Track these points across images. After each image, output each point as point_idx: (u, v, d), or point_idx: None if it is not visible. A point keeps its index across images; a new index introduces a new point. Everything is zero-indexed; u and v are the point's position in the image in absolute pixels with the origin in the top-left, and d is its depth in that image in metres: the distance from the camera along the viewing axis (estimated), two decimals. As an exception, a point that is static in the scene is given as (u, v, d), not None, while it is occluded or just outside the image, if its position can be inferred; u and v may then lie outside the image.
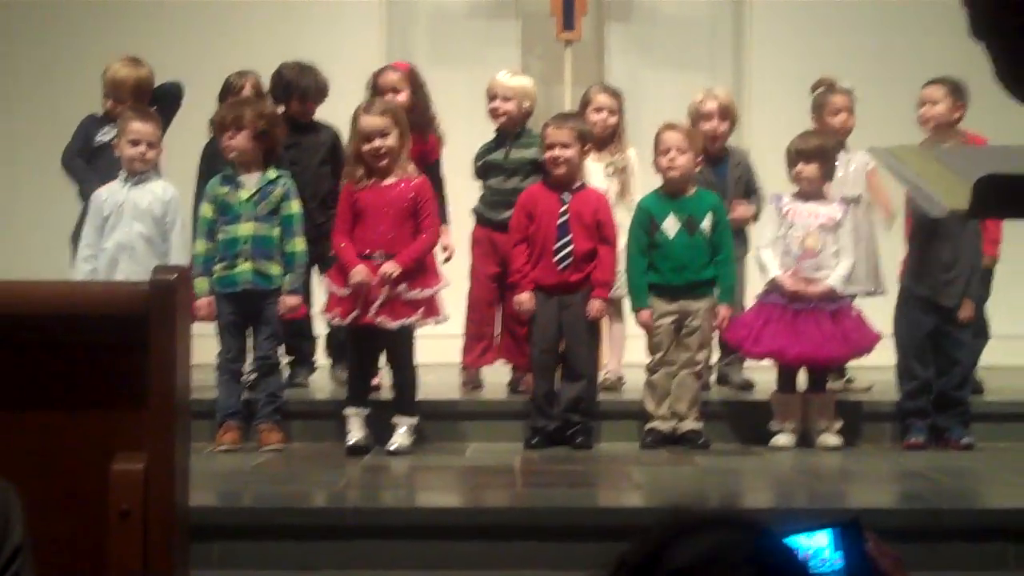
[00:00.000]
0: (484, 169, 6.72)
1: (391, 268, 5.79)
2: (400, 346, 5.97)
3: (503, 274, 6.52)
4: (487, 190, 6.71)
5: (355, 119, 6.03)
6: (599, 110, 6.91)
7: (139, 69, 6.70)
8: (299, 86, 6.78)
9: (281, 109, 6.65)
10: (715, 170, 6.80)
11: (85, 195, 6.45)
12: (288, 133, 6.67)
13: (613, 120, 6.92)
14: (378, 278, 5.79)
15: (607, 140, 6.92)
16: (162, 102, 6.74)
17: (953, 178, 2.19)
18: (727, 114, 6.89)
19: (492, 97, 6.67)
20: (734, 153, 7.01)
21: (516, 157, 6.64)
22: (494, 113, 6.67)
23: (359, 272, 5.80)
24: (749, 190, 6.94)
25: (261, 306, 6.05)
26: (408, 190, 5.94)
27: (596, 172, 6.79)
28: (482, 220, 6.70)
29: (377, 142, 5.90)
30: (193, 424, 3.12)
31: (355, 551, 4.66)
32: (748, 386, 6.87)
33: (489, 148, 6.74)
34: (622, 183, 6.83)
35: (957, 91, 6.76)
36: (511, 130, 6.69)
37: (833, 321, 6.20)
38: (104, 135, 6.56)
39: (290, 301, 6.04)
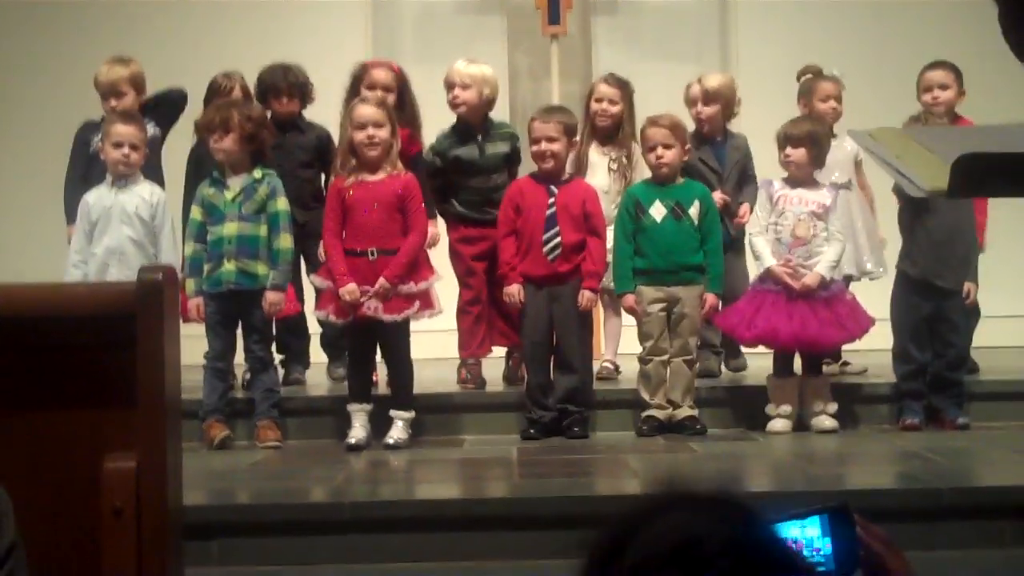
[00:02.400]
0: (456, 166, 6.60)
1: (386, 285, 5.83)
2: (396, 340, 6.00)
3: (490, 268, 6.53)
4: (466, 190, 6.59)
5: (349, 111, 6.07)
6: (600, 100, 6.89)
7: (131, 65, 6.70)
8: (270, 83, 6.78)
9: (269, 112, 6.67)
10: (714, 153, 6.85)
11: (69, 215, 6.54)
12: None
13: (615, 109, 6.86)
14: (373, 292, 5.82)
15: (611, 131, 6.89)
16: (163, 107, 6.74)
17: (932, 158, 2.21)
18: (714, 99, 6.89)
19: (450, 86, 6.57)
20: (733, 137, 7.02)
21: (491, 153, 6.59)
22: (453, 103, 6.57)
23: (349, 292, 5.83)
24: (744, 177, 6.91)
25: (248, 306, 6.07)
26: (396, 186, 5.97)
27: (600, 166, 6.78)
28: (468, 220, 6.60)
29: (371, 130, 5.93)
30: (186, 424, 3.14)
31: (355, 545, 4.68)
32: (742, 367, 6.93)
33: (452, 142, 6.61)
34: (626, 179, 6.78)
35: (960, 75, 6.80)
36: (473, 121, 6.60)
37: (827, 306, 6.21)
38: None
39: (271, 297, 6.04)
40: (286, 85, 6.78)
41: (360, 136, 5.95)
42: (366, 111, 6.01)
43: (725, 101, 6.93)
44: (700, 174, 6.68)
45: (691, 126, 6.80)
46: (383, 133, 5.95)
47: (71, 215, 6.54)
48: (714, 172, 6.81)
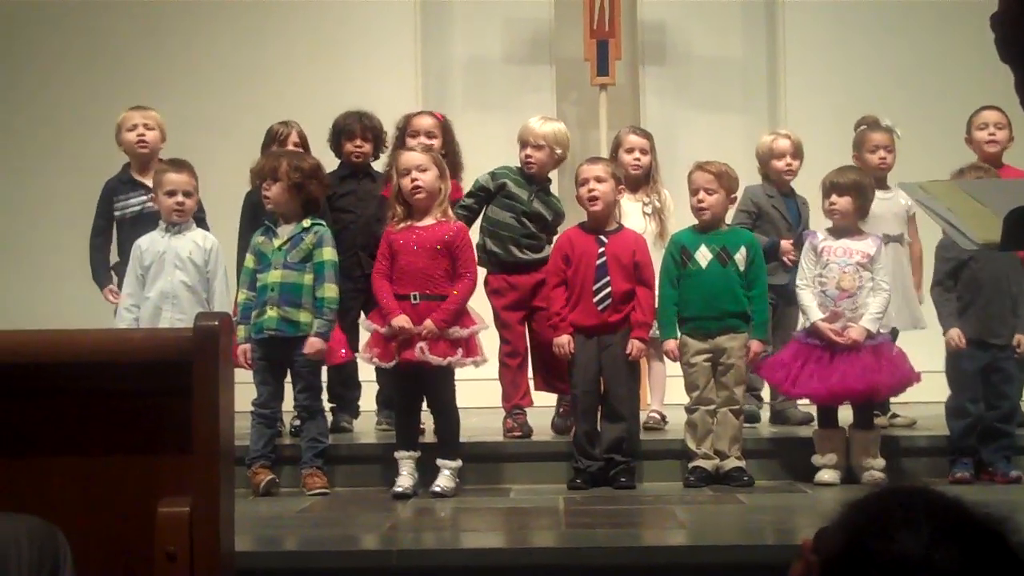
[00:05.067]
0: (501, 194, 6.62)
1: (431, 330, 5.85)
2: (441, 387, 6.01)
3: (527, 313, 6.58)
4: (499, 225, 6.60)
5: (396, 159, 6.14)
6: (631, 151, 6.99)
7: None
8: (344, 125, 6.93)
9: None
10: (786, 204, 6.98)
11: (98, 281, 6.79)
12: (345, 180, 6.87)
13: (646, 160, 6.98)
14: (419, 332, 5.85)
15: (641, 181, 6.98)
16: None
17: (983, 211, 2.21)
18: (799, 152, 7.04)
19: (523, 144, 6.63)
20: (799, 196, 7.15)
21: (536, 208, 6.63)
22: (525, 161, 6.62)
23: (402, 320, 5.86)
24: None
25: (292, 353, 6.08)
26: (445, 232, 6.00)
27: (633, 212, 6.83)
28: (498, 263, 6.62)
29: (415, 174, 5.97)
30: (236, 470, 3.16)
31: (401, 593, 4.67)
32: (807, 420, 6.85)
33: (512, 177, 6.65)
34: (660, 223, 6.87)
35: (1010, 121, 6.80)
36: (540, 176, 6.68)
37: (874, 356, 6.17)
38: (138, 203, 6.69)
39: (314, 342, 6.05)
40: (359, 127, 6.91)
41: (406, 182, 6.00)
42: (410, 157, 6.07)
43: (803, 156, 7.09)
44: (773, 222, 6.76)
45: (746, 178, 6.88)
46: (428, 177, 5.99)
47: (100, 279, 6.78)
48: (786, 221, 6.94)
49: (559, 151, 6.64)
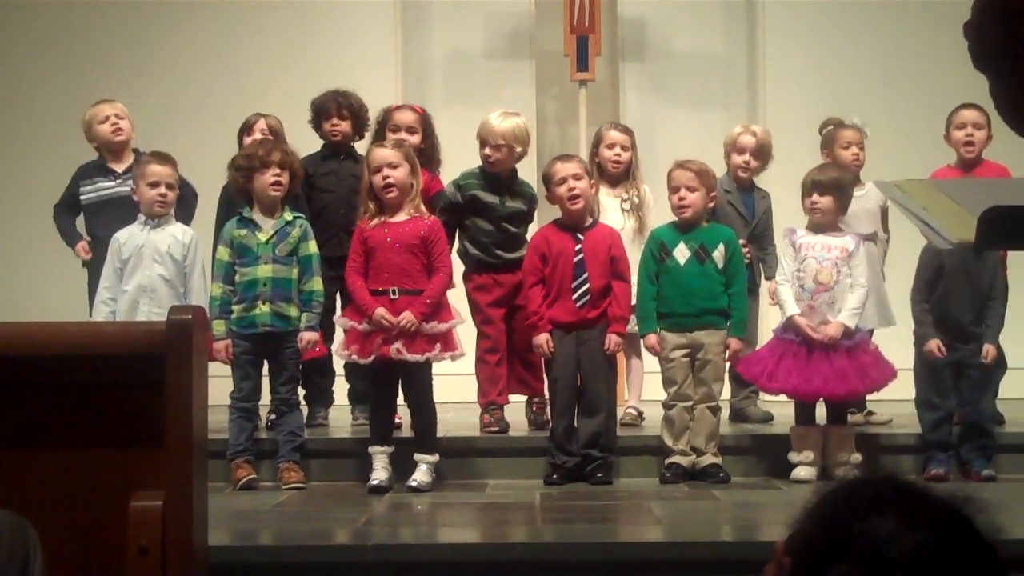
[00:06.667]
0: (473, 206, 6.57)
1: (410, 320, 5.85)
2: (418, 382, 6.00)
3: (508, 310, 6.57)
4: (478, 231, 6.58)
5: (367, 155, 6.12)
6: (611, 146, 6.96)
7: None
8: (320, 104, 6.89)
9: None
10: (743, 199, 6.94)
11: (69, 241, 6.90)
12: (327, 160, 6.88)
13: (627, 156, 6.96)
14: (397, 328, 5.84)
15: (621, 176, 6.97)
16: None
17: (959, 210, 2.21)
18: (765, 153, 7.02)
19: (483, 143, 6.55)
20: (760, 189, 7.15)
21: (510, 206, 6.60)
22: (486, 160, 6.54)
23: (381, 313, 5.84)
24: (769, 234, 7.04)
25: (279, 347, 6.10)
26: (419, 228, 6.00)
27: (612, 208, 6.83)
28: (482, 264, 6.59)
29: (386, 171, 5.95)
30: (211, 464, 3.15)
31: (376, 588, 4.67)
32: (768, 418, 6.90)
33: (477, 183, 6.58)
34: (639, 219, 6.85)
35: (989, 119, 6.81)
36: (503, 174, 6.59)
37: (849, 357, 6.18)
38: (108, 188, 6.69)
39: (307, 336, 6.08)
40: (335, 106, 6.86)
41: (377, 179, 5.98)
42: (381, 153, 6.05)
43: (768, 156, 7.08)
44: (728, 217, 6.74)
45: (720, 170, 6.84)
46: (398, 174, 5.97)
47: (70, 239, 6.88)
48: (742, 217, 6.89)
49: (519, 149, 6.56)
